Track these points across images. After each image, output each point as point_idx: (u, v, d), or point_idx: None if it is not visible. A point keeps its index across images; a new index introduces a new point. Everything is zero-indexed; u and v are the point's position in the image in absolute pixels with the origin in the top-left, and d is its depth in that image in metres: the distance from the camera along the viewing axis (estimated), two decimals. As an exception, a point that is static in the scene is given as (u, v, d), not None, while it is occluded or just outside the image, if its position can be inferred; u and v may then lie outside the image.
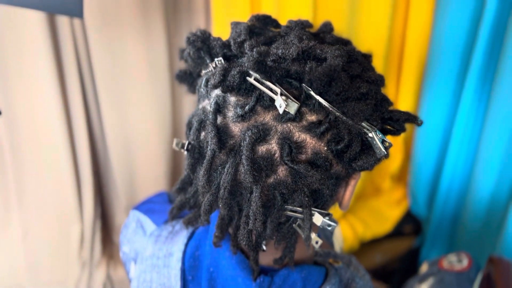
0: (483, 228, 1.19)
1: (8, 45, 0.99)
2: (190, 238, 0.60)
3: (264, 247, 0.52)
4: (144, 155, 1.24)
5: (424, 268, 1.07)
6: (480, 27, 1.05)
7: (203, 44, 0.51)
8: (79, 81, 1.10)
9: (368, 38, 1.25)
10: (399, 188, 1.55)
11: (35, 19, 0.98)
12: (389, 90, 1.40)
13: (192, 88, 0.60)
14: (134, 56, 1.10)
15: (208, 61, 0.51)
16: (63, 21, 1.02)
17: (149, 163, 1.26)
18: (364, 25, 1.24)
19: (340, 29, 1.25)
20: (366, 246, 1.43)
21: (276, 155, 0.44)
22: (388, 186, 1.54)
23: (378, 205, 1.51)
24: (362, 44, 1.27)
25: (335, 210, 1.49)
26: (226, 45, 0.50)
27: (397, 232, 1.47)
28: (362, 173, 1.46)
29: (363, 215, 1.47)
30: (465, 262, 0.98)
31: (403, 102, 1.36)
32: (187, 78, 0.59)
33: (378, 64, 1.30)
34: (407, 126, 1.56)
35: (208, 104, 0.49)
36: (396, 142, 1.45)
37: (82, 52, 1.08)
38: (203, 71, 0.52)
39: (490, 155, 1.09)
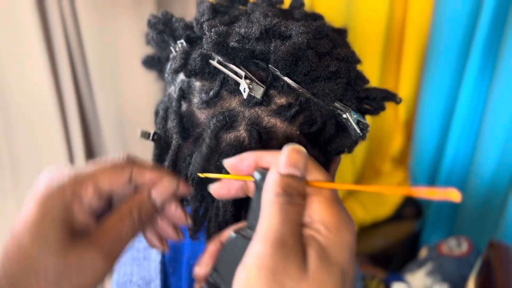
0: (484, 212, 1.17)
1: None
2: None
3: None
4: (138, 136, 1.22)
5: (423, 252, 1.06)
6: (483, 6, 1.02)
7: (165, 27, 0.47)
8: (70, 67, 1.08)
9: (368, 19, 1.22)
10: (399, 171, 1.52)
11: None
12: (389, 70, 1.37)
13: (162, 74, 0.56)
14: (126, 34, 1.08)
15: (172, 44, 0.48)
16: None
17: (143, 145, 1.24)
18: (363, 7, 1.20)
19: (338, 12, 1.21)
20: (366, 230, 1.41)
21: (245, 142, 0.42)
22: (389, 169, 1.51)
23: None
24: (362, 26, 1.23)
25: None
26: (189, 26, 0.47)
27: (398, 215, 1.45)
28: (363, 156, 1.44)
29: (363, 198, 1.45)
30: (464, 247, 0.97)
31: (404, 83, 1.33)
32: (155, 64, 0.56)
33: (378, 45, 1.27)
34: (409, 107, 1.52)
35: (173, 91, 0.46)
36: (397, 123, 1.42)
37: (71, 31, 1.06)
38: (171, 55, 0.49)
39: (491, 138, 1.06)
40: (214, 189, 0.39)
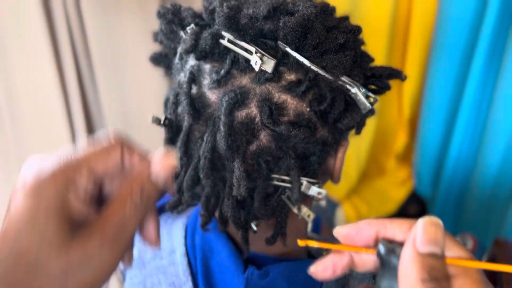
0: (489, 209, 1.17)
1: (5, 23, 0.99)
2: (187, 226, 0.58)
3: (254, 227, 0.50)
4: (143, 133, 1.23)
5: (428, 250, 1.06)
6: (488, 2, 1.01)
7: (174, 16, 0.48)
8: (74, 65, 1.09)
9: (372, 17, 1.21)
10: (404, 168, 1.52)
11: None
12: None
13: (170, 71, 0.57)
14: (130, 32, 1.09)
15: (181, 34, 0.48)
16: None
17: (147, 139, 1.24)
18: (368, 2, 1.20)
19: (342, 6, 1.20)
20: (370, 227, 1.41)
21: (257, 119, 0.42)
22: (393, 166, 1.51)
23: (382, 186, 1.48)
24: (366, 24, 1.22)
25: (337, 191, 1.45)
26: (197, 15, 0.48)
27: (402, 212, 1.45)
28: (367, 152, 1.43)
29: (367, 195, 1.45)
30: (469, 244, 0.96)
31: (408, 80, 1.30)
32: (163, 60, 0.57)
33: (382, 43, 1.26)
34: (413, 105, 1.51)
35: (183, 77, 0.47)
36: (401, 121, 1.42)
37: (76, 29, 1.06)
38: (181, 39, 0.50)
39: (496, 134, 1.06)
40: (315, 272, 0.34)
